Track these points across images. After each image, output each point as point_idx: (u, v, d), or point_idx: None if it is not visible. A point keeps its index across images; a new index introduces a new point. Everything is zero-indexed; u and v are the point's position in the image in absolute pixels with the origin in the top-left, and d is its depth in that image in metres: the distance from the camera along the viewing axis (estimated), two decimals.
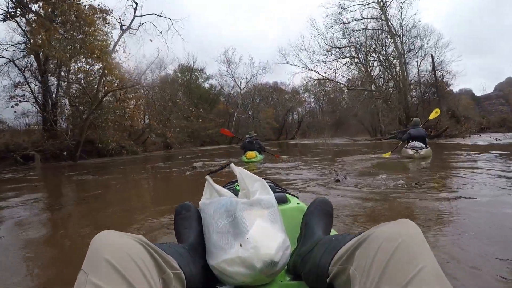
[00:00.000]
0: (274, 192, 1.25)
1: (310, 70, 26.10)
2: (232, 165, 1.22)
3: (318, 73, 25.88)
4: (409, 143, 7.84)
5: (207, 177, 1.19)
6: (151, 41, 21.38)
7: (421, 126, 8.19)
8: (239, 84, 45.31)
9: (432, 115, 8.85)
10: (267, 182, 1.24)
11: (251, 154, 9.46)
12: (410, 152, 7.58)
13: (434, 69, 21.68)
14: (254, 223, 0.96)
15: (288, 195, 1.50)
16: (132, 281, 0.60)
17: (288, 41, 65.97)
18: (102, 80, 19.12)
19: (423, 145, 7.60)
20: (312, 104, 53.61)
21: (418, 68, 23.50)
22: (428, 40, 22.84)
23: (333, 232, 1.18)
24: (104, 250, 0.63)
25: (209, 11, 68.47)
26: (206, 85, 46.22)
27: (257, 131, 36.47)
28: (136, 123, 26.16)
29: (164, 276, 0.71)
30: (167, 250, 0.80)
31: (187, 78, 43.36)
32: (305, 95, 51.80)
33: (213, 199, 1.09)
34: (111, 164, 13.69)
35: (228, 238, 0.94)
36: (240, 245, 0.91)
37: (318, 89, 51.31)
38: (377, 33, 23.17)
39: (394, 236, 0.63)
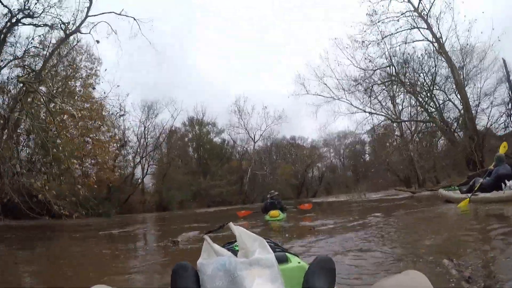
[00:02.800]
0: (274, 251, 1.24)
1: (337, 99, 21.69)
2: (231, 224, 1.20)
3: (351, 104, 21.36)
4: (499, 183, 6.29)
5: (205, 236, 1.18)
6: (97, 42, 17.92)
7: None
8: (252, 136, 41.49)
9: (501, 150, 7.33)
10: (267, 241, 1.27)
11: (275, 212, 9.25)
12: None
13: (509, 78, 16.19)
14: (253, 283, 0.96)
15: (288, 254, 1.52)
16: None
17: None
18: None
19: None
20: (332, 160, 51.42)
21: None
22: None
23: None
24: None
25: (217, 61, 67.10)
26: (218, 140, 43.01)
27: (275, 189, 31.88)
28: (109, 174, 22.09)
29: None
30: None
31: (196, 132, 40.45)
32: (324, 150, 49.64)
33: (211, 259, 1.10)
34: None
35: None
36: None
37: (338, 142, 49.16)
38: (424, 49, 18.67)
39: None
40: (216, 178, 34.41)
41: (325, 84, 21.88)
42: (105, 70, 23.20)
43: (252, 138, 41.20)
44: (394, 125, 29.23)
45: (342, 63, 20.61)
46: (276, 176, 41.94)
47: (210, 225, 9.66)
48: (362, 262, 3.15)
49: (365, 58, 19.05)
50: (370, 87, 19.70)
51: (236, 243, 1.41)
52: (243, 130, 40.90)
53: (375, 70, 19.14)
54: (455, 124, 18.97)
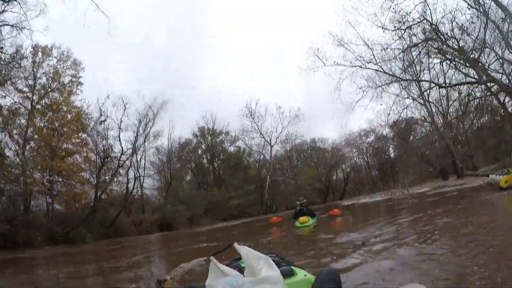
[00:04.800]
0: (280, 265, 1.34)
1: (364, 67, 17.47)
2: (236, 244, 1.23)
3: (382, 70, 17.27)
4: None
5: (212, 257, 1.19)
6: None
7: None
8: (268, 140, 38.05)
9: None
10: (272, 257, 1.39)
11: (304, 219, 9.46)
12: None
13: None
14: None
15: (294, 268, 1.50)
16: None
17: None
18: None
19: None
20: (356, 159, 48.46)
21: None
22: None
23: None
24: None
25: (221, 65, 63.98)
26: (233, 149, 39.96)
27: (300, 195, 28.52)
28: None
29: None
30: None
31: (208, 142, 37.78)
32: (347, 150, 47.06)
33: (219, 279, 1.10)
34: None
35: None
36: None
37: (360, 141, 45.74)
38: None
39: None
40: (232, 189, 31.44)
41: (347, 46, 17.40)
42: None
43: (268, 142, 37.93)
44: (424, 110, 25.70)
45: (362, 24, 16.67)
46: (299, 181, 38.74)
47: (218, 244, 8.22)
48: None
49: (394, 13, 14.81)
50: (408, 47, 15.53)
51: (241, 260, 1.37)
52: (258, 134, 37.81)
53: (409, 26, 14.77)
54: None
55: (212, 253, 1.25)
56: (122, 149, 22.94)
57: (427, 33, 14.93)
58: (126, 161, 23.58)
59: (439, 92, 23.02)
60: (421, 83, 21.04)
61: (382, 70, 17.72)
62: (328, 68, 18.30)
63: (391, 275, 2.71)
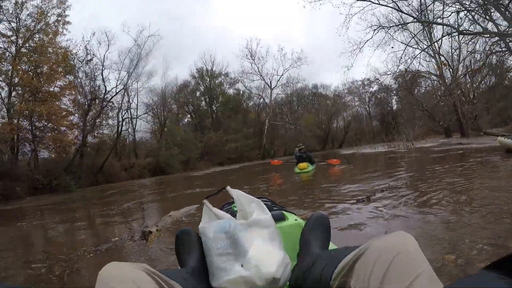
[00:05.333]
0: (271, 210, 1.33)
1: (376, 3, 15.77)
2: (229, 187, 1.23)
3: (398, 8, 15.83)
4: None
5: (205, 201, 1.20)
6: None
7: None
8: (269, 83, 36.32)
9: None
10: (264, 201, 1.49)
11: (303, 165, 9.36)
12: None
13: None
14: (253, 243, 1.01)
15: (285, 212, 1.50)
16: None
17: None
18: None
19: None
20: (358, 108, 47.84)
21: None
22: None
23: (332, 246, 1.19)
24: (111, 281, 0.65)
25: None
26: (232, 91, 38.53)
27: (299, 141, 28.34)
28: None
29: None
30: (171, 276, 0.80)
31: (206, 84, 36.16)
32: (349, 98, 46.77)
33: (212, 222, 1.11)
34: None
35: (229, 259, 0.98)
36: (242, 265, 0.96)
37: (362, 90, 44.43)
38: None
39: (392, 247, 0.65)
40: (230, 132, 30.93)
41: None
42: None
43: (268, 85, 36.32)
44: (433, 62, 24.24)
45: None
46: (298, 127, 38.01)
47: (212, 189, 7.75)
48: None
49: None
50: None
51: (234, 203, 1.39)
52: (258, 76, 36.10)
53: None
54: None
55: (205, 196, 1.22)
56: (106, 88, 21.47)
57: None
58: (114, 102, 22.26)
59: (451, 45, 21.63)
60: (432, 33, 19.59)
61: (397, 8, 16.08)
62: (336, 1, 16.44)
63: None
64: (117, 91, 21.99)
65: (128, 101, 24.65)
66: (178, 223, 4.07)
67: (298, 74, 38.04)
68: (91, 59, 20.80)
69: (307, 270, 0.94)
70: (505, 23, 13.31)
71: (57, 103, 18.26)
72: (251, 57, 35.09)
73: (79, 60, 20.23)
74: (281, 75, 36.37)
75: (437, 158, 9.35)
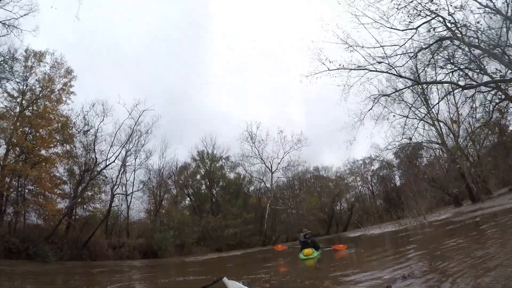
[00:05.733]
0: None
1: (374, 70, 15.49)
2: (225, 279, 1.34)
3: (395, 72, 15.44)
4: None
5: None
6: None
7: None
8: (269, 166, 36.46)
9: None
10: None
11: (308, 251, 9.27)
12: None
13: None
14: None
15: None
16: None
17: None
18: None
19: None
20: (361, 188, 47.82)
21: None
22: None
23: None
24: None
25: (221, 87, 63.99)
26: (232, 175, 38.36)
27: (302, 225, 26.78)
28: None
29: None
30: None
31: (207, 167, 36.28)
32: (351, 179, 46.73)
33: None
34: None
35: None
36: None
37: (364, 169, 44.61)
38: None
39: None
40: (229, 217, 29.64)
41: (353, 47, 15.21)
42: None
43: (269, 169, 36.42)
44: (433, 130, 24.53)
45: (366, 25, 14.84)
46: (301, 211, 36.74)
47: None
48: None
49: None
50: (418, 50, 14.16)
51: None
52: (259, 159, 36.44)
53: (421, 25, 13.26)
54: None
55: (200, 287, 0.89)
56: (96, 160, 20.77)
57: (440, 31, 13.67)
58: (108, 177, 21.71)
59: (449, 109, 22.10)
60: (429, 101, 20.23)
61: (396, 73, 15.67)
62: (334, 72, 16.63)
63: None
64: (107, 163, 21.37)
65: (124, 176, 24.23)
66: None
67: (298, 157, 38.37)
68: (88, 130, 20.96)
69: None
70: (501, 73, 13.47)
71: (51, 169, 18.12)
72: (251, 139, 35.92)
73: (77, 130, 20.54)
74: (282, 158, 36.72)
75: (457, 230, 8.42)
